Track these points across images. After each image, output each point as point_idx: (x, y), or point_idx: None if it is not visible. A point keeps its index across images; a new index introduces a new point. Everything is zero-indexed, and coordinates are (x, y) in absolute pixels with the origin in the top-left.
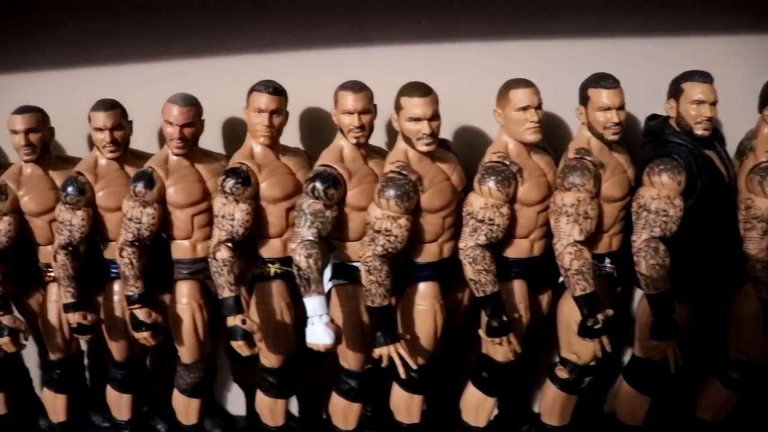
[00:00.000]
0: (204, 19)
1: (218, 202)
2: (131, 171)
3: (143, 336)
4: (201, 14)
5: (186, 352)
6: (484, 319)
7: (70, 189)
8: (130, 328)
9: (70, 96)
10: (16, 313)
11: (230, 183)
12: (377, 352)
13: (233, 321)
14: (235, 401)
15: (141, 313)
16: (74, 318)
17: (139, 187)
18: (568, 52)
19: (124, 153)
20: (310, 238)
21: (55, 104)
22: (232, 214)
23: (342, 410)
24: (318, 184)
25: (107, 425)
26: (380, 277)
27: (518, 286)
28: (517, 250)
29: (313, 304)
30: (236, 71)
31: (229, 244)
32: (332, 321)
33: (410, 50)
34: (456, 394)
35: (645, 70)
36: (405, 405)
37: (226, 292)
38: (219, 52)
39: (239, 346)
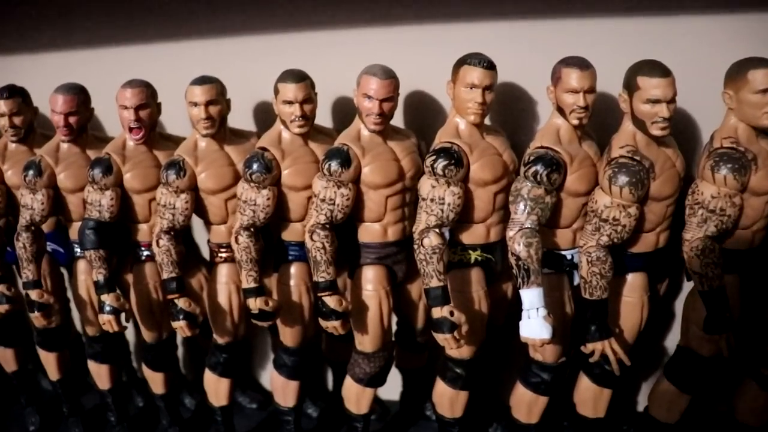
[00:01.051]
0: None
1: (427, 185)
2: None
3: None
4: None
5: (369, 341)
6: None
7: (255, 166)
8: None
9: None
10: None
11: (441, 164)
12: (590, 347)
13: (440, 313)
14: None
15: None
16: (256, 304)
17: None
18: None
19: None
20: (530, 225)
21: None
22: (442, 198)
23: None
24: (540, 168)
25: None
26: (603, 268)
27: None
28: (644, 244)
29: (531, 296)
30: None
31: (437, 230)
32: (549, 315)
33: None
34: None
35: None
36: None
37: (434, 282)
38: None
39: (446, 339)
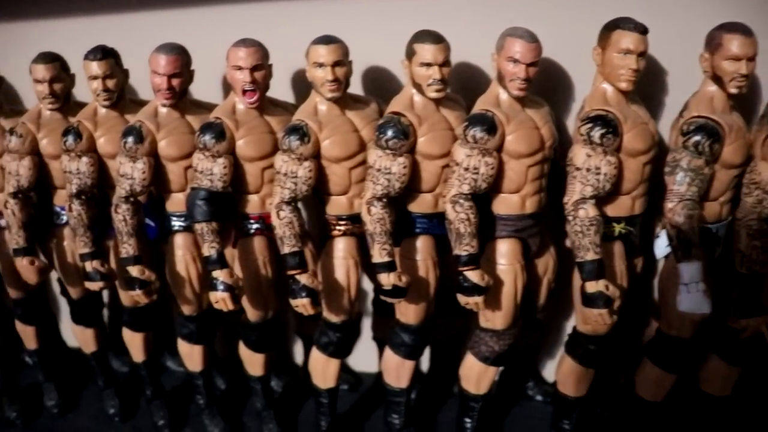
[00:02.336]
0: None
1: (581, 153)
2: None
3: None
4: None
5: (501, 318)
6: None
7: (391, 132)
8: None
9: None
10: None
11: (599, 133)
12: (744, 323)
13: (595, 287)
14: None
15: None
16: (390, 279)
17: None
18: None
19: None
20: (690, 196)
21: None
22: (598, 167)
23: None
24: (701, 138)
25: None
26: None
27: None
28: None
29: (691, 269)
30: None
31: (593, 201)
32: (708, 288)
33: None
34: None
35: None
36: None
37: (590, 255)
38: None
39: (600, 314)
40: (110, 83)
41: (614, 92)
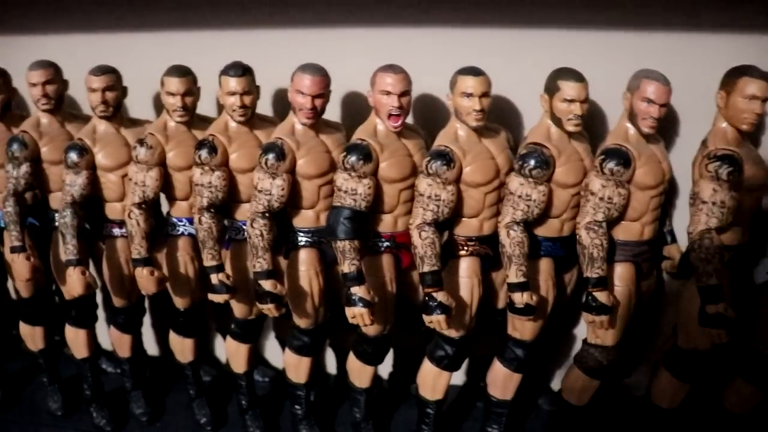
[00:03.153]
0: None
1: (709, 188)
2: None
3: (437, 319)
4: None
5: (612, 335)
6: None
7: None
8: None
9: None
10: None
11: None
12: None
13: (715, 309)
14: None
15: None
16: (523, 299)
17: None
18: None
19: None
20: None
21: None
22: (723, 202)
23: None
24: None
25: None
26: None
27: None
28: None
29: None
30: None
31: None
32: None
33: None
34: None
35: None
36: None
37: (712, 280)
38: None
39: (718, 334)
40: (247, 100)
41: (734, 133)
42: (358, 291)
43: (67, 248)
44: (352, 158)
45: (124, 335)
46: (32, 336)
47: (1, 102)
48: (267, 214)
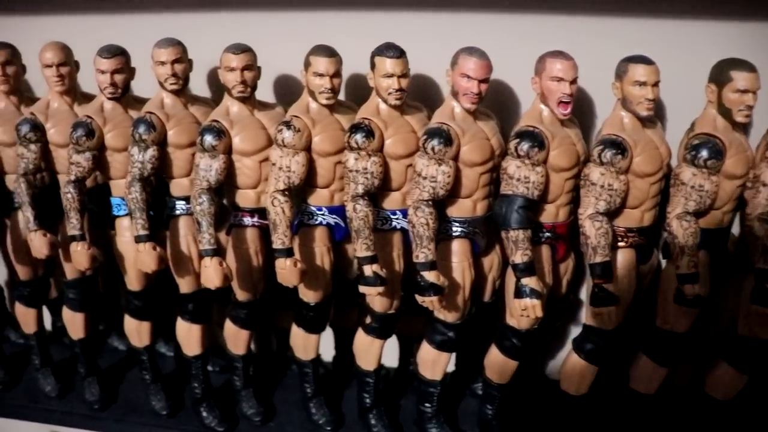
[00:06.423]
0: None
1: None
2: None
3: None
4: None
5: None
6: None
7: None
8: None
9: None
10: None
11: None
12: None
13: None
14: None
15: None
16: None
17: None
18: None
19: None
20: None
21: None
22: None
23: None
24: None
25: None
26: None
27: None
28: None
29: None
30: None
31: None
32: None
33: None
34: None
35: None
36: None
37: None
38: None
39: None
40: (404, 83)
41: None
42: (529, 282)
43: (203, 237)
44: (526, 145)
45: (242, 331)
46: (138, 331)
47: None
48: (431, 203)
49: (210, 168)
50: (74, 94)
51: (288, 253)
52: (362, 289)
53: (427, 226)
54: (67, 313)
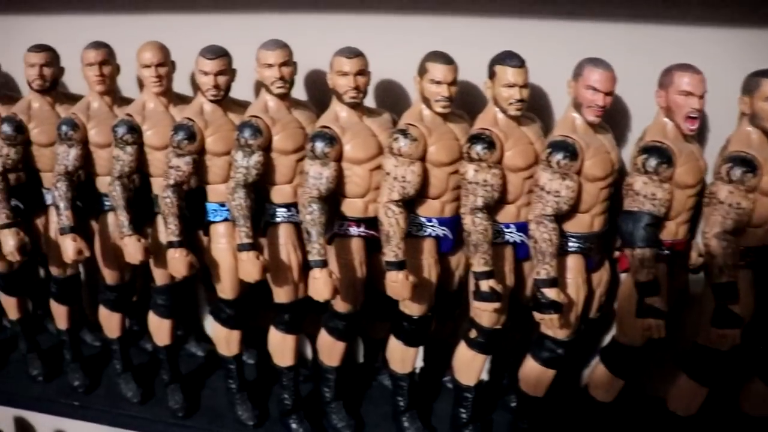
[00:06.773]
0: None
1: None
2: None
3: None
4: None
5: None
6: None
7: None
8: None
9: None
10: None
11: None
12: None
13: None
14: None
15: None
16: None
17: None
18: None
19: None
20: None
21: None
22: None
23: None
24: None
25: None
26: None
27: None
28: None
29: None
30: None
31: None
32: None
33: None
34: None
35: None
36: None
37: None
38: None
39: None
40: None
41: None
42: (654, 302)
43: (312, 247)
44: (654, 161)
45: (338, 342)
46: (228, 340)
47: None
48: (554, 218)
49: (320, 176)
50: (170, 95)
51: (401, 266)
52: (477, 304)
53: (551, 242)
54: (153, 320)
